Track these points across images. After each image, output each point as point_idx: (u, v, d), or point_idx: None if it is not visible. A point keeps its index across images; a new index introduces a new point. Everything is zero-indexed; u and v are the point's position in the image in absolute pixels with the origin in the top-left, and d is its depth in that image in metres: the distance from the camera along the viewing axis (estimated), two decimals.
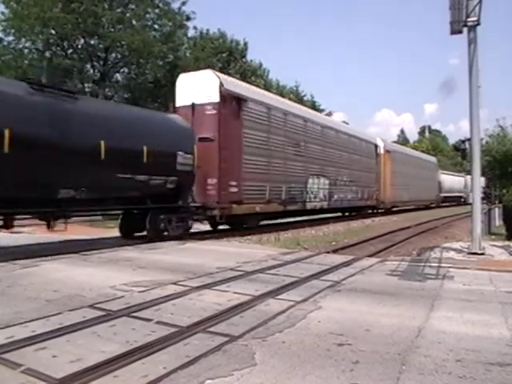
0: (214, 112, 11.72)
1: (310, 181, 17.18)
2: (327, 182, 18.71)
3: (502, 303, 4.67)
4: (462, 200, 50.54)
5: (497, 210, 16.43)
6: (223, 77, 12.92)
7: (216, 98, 11.76)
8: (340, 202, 20.19)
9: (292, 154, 15.68)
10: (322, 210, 19.04)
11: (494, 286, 5.62)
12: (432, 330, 3.76)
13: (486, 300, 4.85)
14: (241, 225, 13.22)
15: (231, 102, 12.18)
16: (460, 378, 2.80)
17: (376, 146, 25.41)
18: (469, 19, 8.53)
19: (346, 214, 22.87)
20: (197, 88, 12.04)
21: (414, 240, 13.55)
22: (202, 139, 11.39)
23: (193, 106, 11.93)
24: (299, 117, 16.72)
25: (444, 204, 42.86)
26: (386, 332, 3.68)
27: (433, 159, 43.66)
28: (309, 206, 17.11)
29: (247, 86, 15.19)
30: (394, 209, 28.05)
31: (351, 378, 2.77)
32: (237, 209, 12.34)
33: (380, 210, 25.88)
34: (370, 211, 24.73)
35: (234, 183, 12.22)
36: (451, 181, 48.38)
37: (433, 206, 37.69)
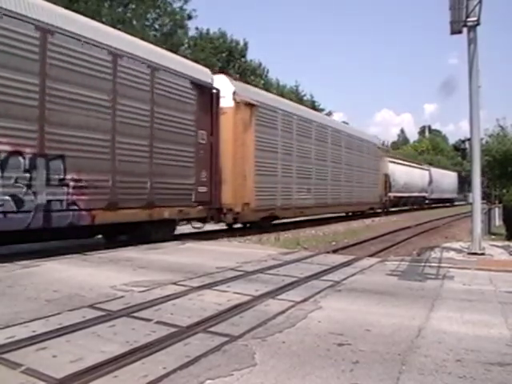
0: None
1: None
2: None
3: (502, 303, 4.67)
4: (426, 202, 39.19)
5: (497, 209, 16.43)
6: None
7: None
8: None
9: None
10: None
11: (494, 285, 5.62)
12: (432, 329, 3.76)
13: (486, 300, 4.85)
14: None
15: None
16: (460, 377, 2.80)
17: (207, 89, 11.05)
18: (469, 19, 8.53)
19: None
20: None
21: (414, 240, 13.56)
22: None
23: None
24: None
25: (395, 209, 29.55)
26: (386, 332, 3.68)
27: (373, 139, 25.59)
28: None
29: None
30: (276, 221, 14.92)
31: (351, 378, 2.77)
32: None
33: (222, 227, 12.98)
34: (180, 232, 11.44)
35: None
36: (408, 174, 33.35)
37: (375, 211, 24.24)
